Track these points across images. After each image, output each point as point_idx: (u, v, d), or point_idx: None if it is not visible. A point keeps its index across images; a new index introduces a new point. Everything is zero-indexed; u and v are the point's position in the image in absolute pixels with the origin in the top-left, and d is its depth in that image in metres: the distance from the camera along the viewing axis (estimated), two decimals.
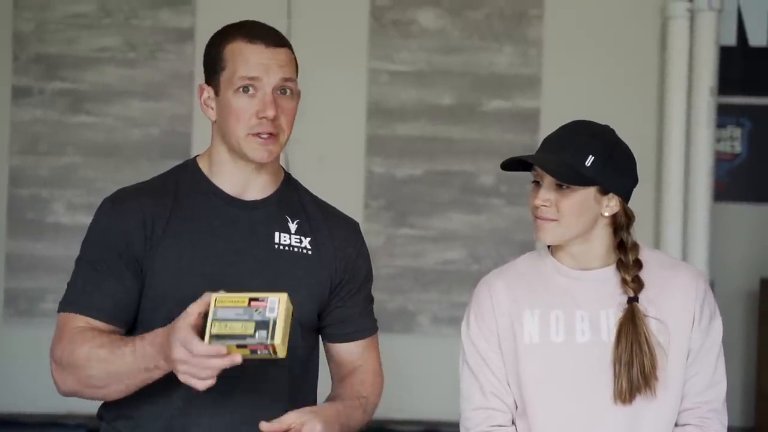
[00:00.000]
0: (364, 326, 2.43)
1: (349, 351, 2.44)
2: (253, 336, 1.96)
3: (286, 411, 2.26)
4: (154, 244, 2.22)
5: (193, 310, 2.01)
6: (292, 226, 2.36)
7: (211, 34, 5.51)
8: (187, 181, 2.33)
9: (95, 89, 5.37)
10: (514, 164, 2.32)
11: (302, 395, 2.36)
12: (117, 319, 2.14)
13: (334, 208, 2.48)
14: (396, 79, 5.67)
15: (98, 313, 2.12)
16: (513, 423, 2.42)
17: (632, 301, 2.36)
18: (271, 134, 2.16)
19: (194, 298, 2.10)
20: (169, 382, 2.14)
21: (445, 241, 5.34)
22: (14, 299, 5.39)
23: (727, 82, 5.35)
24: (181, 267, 2.23)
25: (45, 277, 5.31)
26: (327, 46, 5.62)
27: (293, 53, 2.24)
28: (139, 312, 2.21)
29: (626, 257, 2.38)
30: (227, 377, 2.12)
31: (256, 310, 2.00)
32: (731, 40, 5.56)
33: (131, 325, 2.22)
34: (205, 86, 2.23)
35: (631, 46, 5.47)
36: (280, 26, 5.69)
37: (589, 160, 2.29)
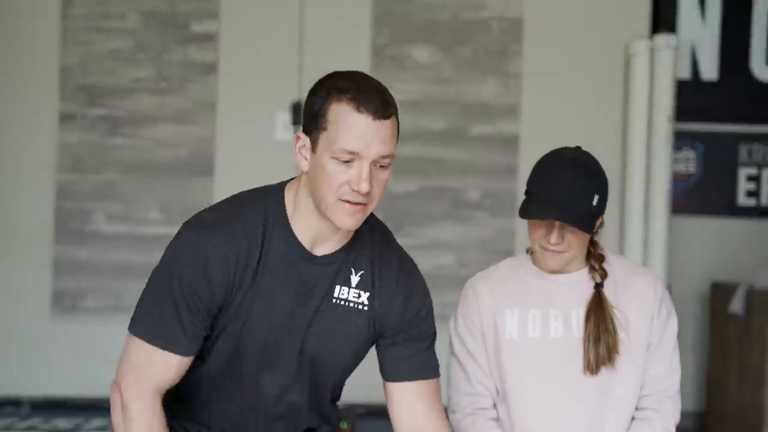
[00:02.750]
0: (424, 369, 2.33)
1: (410, 396, 2.35)
2: None
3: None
4: (237, 292, 2.19)
5: None
6: (354, 279, 2.28)
7: (233, 67, 5.04)
8: (272, 225, 2.23)
9: (130, 115, 5.38)
10: (527, 211, 2.48)
11: (332, 396, 2.42)
12: (189, 354, 2.16)
13: (407, 262, 2.36)
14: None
15: (176, 348, 2.14)
16: (495, 407, 2.53)
17: (599, 287, 2.50)
18: (361, 204, 2.08)
19: (251, 346, 2.22)
20: (196, 380, 2.24)
21: (436, 248, 5.35)
22: (60, 298, 5.39)
23: (682, 111, 5.43)
24: (253, 318, 2.21)
25: (86, 279, 5.36)
26: None
27: (397, 120, 2.14)
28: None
29: (594, 250, 2.54)
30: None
31: None
32: (686, 74, 5.60)
33: None
34: (303, 136, 2.12)
35: (599, 79, 5.49)
36: (291, 65, 5.02)
37: (595, 200, 2.44)
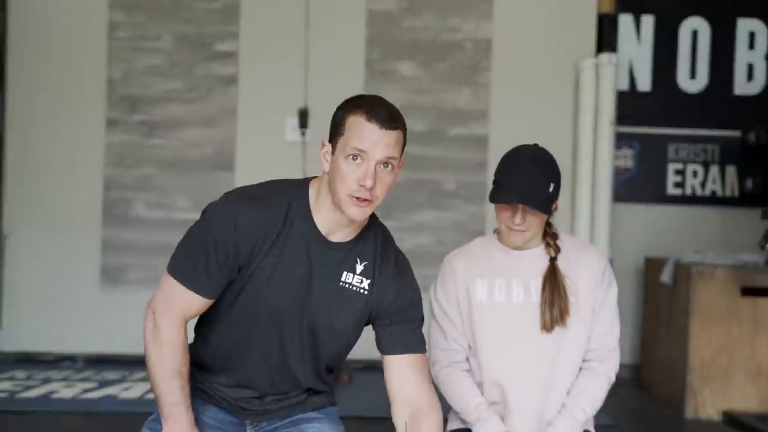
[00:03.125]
0: (413, 344, 2.48)
1: (403, 370, 2.48)
2: None
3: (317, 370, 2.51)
4: (256, 257, 2.33)
5: None
6: (359, 267, 2.42)
7: (250, 79, 5.46)
8: (296, 209, 2.38)
9: (164, 120, 5.69)
10: (495, 197, 2.65)
11: (337, 363, 2.59)
12: (210, 297, 2.32)
13: (401, 257, 2.52)
14: None
15: (201, 289, 2.31)
16: (467, 360, 2.76)
17: (553, 260, 2.73)
18: (366, 200, 2.22)
19: (265, 309, 2.36)
20: (235, 330, 2.40)
21: (419, 230, 5.63)
22: (107, 272, 5.72)
23: (621, 117, 5.81)
24: (266, 284, 2.35)
25: (129, 256, 5.70)
26: (335, 90, 5.33)
27: (404, 133, 2.29)
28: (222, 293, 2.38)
29: (549, 230, 2.73)
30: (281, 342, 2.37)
31: None
32: (625, 86, 5.94)
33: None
34: (326, 143, 2.30)
35: (554, 90, 5.81)
36: (298, 78, 5.45)
37: (551, 187, 2.64)
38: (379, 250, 2.41)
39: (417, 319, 2.43)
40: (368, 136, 2.17)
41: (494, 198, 2.64)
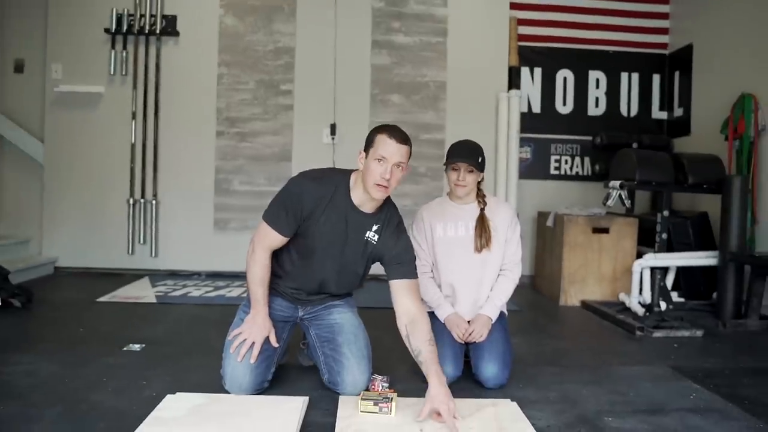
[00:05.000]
0: (407, 272, 2.64)
1: (401, 288, 2.61)
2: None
3: (348, 291, 2.83)
4: (312, 216, 2.54)
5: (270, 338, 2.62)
6: (375, 227, 2.62)
7: (300, 108, 6.10)
8: (340, 188, 2.56)
9: (251, 131, 6.36)
10: (449, 160, 2.88)
11: (356, 283, 2.83)
12: (287, 235, 2.56)
13: (401, 225, 2.69)
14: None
15: (282, 230, 2.56)
16: (432, 271, 3.07)
17: (482, 210, 2.96)
18: (385, 186, 2.43)
19: (321, 247, 2.60)
20: (295, 265, 2.67)
21: (404, 196, 6.04)
22: (218, 222, 6.36)
23: (523, 127, 6.54)
24: (318, 233, 2.57)
25: (230, 213, 6.34)
26: (352, 112, 6.28)
27: (411, 148, 2.48)
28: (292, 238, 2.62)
29: (479, 193, 2.98)
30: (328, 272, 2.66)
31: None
32: (525, 109, 6.64)
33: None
34: (362, 152, 2.50)
35: (484, 112, 6.48)
36: (329, 106, 5.98)
37: (480, 159, 2.86)
38: (388, 219, 2.64)
39: (411, 259, 2.65)
40: (388, 147, 2.42)
41: (447, 163, 2.91)
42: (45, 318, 4.41)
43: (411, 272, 2.62)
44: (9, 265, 5.00)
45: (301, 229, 2.57)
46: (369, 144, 2.52)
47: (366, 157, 2.52)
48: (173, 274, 6.38)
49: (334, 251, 2.62)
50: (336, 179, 2.61)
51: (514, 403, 2.73)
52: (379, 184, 2.45)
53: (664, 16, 6.85)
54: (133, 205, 6.40)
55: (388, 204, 2.68)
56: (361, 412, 2.47)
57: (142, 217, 6.39)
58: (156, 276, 6.27)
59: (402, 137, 2.49)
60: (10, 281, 4.71)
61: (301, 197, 2.54)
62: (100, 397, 2.78)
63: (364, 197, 2.56)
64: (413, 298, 2.59)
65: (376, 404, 2.44)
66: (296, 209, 2.55)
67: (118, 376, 3.09)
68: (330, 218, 2.57)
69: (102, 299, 5.13)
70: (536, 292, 6.09)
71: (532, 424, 2.52)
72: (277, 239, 2.60)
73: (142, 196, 6.41)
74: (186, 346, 3.74)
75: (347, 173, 2.64)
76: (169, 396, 2.71)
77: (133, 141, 6.40)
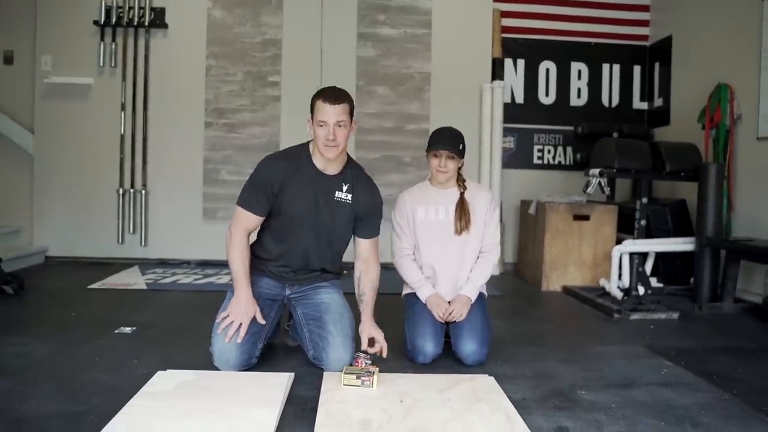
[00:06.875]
0: (372, 233, 2.87)
1: (364, 245, 2.85)
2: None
3: (333, 257, 2.89)
4: (283, 189, 2.66)
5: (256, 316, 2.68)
6: (345, 187, 2.73)
7: (288, 100, 6.08)
8: (303, 158, 2.70)
9: (239, 122, 6.41)
10: (431, 148, 2.94)
11: (339, 253, 2.93)
12: (261, 215, 2.68)
13: (370, 180, 2.84)
14: (368, 116, 6.34)
15: (255, 211, 2.67)
16: (413, 253, 3.11)
17: (462, 194, 3.00)
18: (333, 146, 2.60)
19: (296, 216, 2.69)
20: (279, 235, 2.76)
21: (390, 185, 6.12)
22: (207, 212, 6.40)
23: (507, 118, 6.61)
24: (292, 204, 2.69)
25: (218, 202, 6.36)
26: None
27: (349, 104, 2.61)
28: (268, 214, 2.73)
29: (459, 178, 3.03)
30: (315, 233, 2.74)
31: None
32: (509, 100, 6.73)
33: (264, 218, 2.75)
34: (309, 119, 2.67)
35: (468, 102, 6.51)
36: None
37: (460, 146, 2.92)
38: (356, 176, 2.76)
39: (378, 218, 2.84)
40: (324, 110, 2.56)
41: (429, 150, 2.99)
42: (37, 304, 4.47)
43: (374, 231, 2.84)
44: (0, 254, 5.05)
45: (275, 205, 2.69)
46: (311, 111, 2.66)
47: (312, 122, 2.66)
48: (163, 263, 6.44)
49: (309, 218, 2.72)
50: (298, 151, 2.75)
51: (492, 378, 2.82)
52: (327, 145, 2.59)
53: (644, 8, 6.95)
54: (123, 195, 6.43)
55: (351, 163, 2.79)
56: (344, 385, 2.55)
57: (132, 206, 6.42)
58: (146, 265, 6.32)
59: (335, 97, 2.61)
60: (2, 269, 4.74)
61: (269, 175, 2.66)
62: (93, 375, 2.85)
63: (323, 161, 2.69)
64: (372, 251, 2.83)
65: (358, 378, 2.53)
66: (266, 187, 2.66)
67: (110, 356, 3.16)
68: (300, 187, 2.67)
69: (93, 286, 5.19)
70: (519, 278, 6.17)
71: (508, 397, 2.60)
72: (253, 220, 2.72)
73: (132, 186, 6.45)
74: (176, 329, 3.79)
75: (305, 144, 2.76)
76: (159, 372, 2.79)
77: (122, 132, 6.44)
